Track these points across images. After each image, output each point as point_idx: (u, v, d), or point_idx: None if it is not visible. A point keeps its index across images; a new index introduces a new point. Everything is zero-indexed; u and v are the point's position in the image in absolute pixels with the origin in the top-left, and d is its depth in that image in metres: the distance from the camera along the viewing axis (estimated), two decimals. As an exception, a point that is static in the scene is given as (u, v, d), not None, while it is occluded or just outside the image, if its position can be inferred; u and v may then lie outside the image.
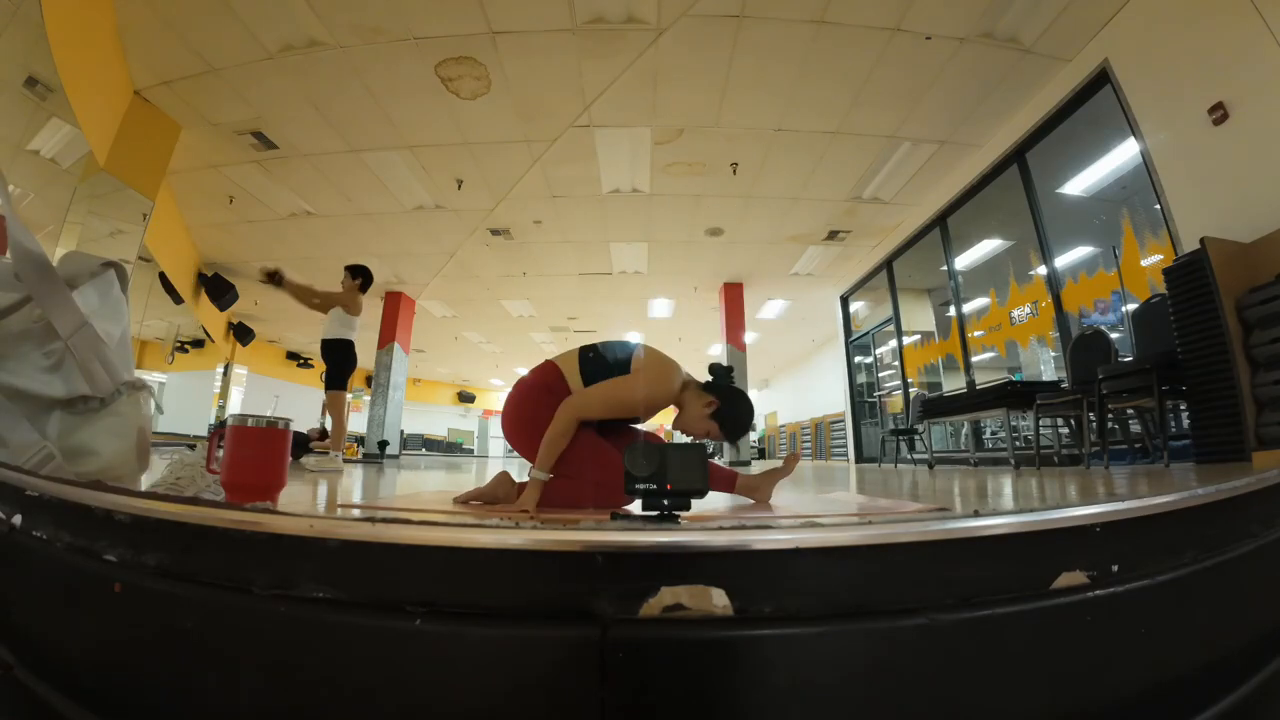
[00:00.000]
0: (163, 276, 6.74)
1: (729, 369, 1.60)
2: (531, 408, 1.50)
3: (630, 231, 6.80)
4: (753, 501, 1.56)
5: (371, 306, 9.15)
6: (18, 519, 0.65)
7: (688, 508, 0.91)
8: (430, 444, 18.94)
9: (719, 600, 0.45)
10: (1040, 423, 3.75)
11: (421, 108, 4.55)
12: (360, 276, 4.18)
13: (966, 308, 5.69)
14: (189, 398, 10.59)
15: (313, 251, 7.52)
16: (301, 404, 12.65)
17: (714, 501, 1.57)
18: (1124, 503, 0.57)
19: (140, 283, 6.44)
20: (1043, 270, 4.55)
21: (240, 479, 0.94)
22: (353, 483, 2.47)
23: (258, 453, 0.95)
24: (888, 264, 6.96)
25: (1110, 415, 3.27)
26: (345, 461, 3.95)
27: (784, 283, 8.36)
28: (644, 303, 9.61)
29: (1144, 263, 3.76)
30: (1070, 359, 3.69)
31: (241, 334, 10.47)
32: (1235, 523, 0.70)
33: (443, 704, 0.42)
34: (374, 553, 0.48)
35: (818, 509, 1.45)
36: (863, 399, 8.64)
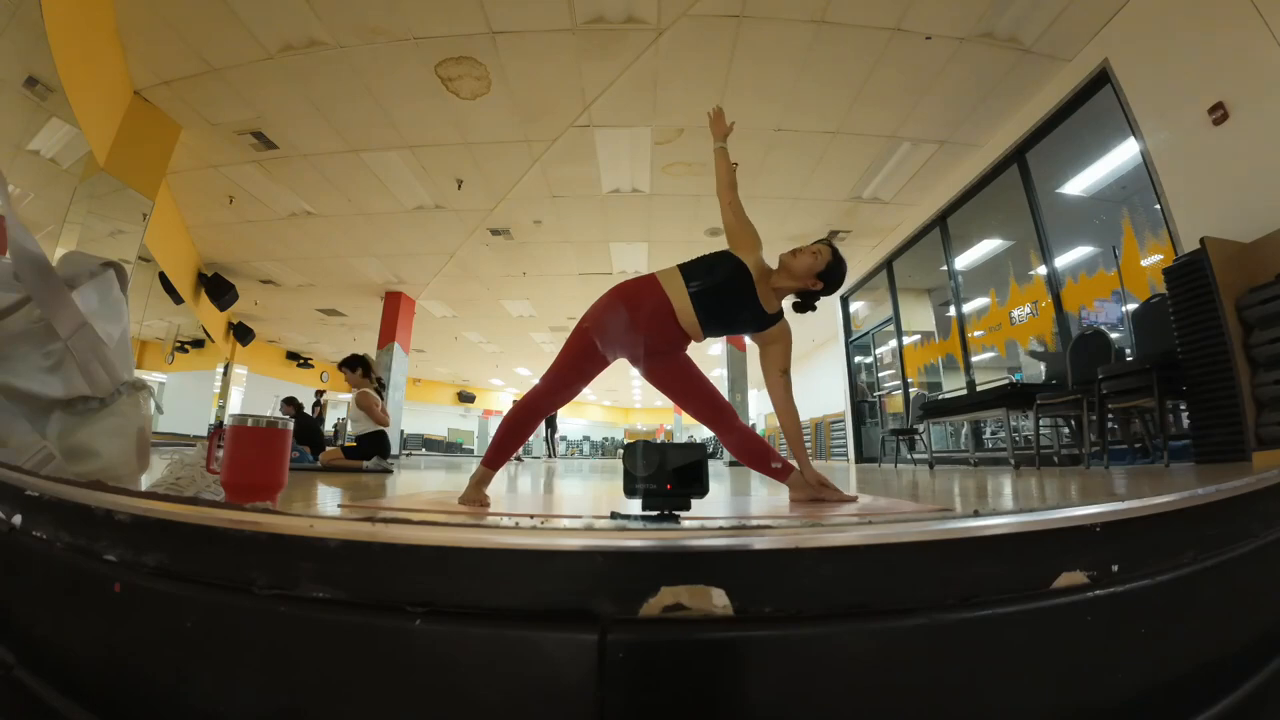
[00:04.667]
0: (163, 276, 6.74)
1: None
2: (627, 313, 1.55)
3: (630, 231, 6.80)
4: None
5: (372, 306, 9.21)
6: (18, 519, 0.65)
7: (688, 508, 0.90)
8: (430, 444, 18.95)
9: (719, 600, 0.45)
10: (1040, 423, 3.75)
11: (421, 108, 4.55)
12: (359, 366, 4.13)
13: (966, 308, 5.69)
14: (189, 398, 10.58)
15: (313, 251, 7.52)
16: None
17: (714, 502, 1.57)
18: (1124, 503, 0.57)
19: (140, 283, 6.44)
20: (1043, 270, 4.55)
21: (240, 479, 0.94)
22: (357, 484, 2.47)
23: (258, 453, 0.95)
24: (888, 264, 6.96)
25: (1110, 415, 3.27)
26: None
27: (784, 283, 8.35)
28: (644, 303, 9.60)
29: (1144, 263, 3.76)
30: (1070, 359, 3.69)
31: (241, 334, 10.47)
32: (1235, 523, 0.70)
33: (442, 704, 0.42)
34: (374, 553, 0.48)
35: (820, 510, 1.45)
36: (863, 399, 8.64)
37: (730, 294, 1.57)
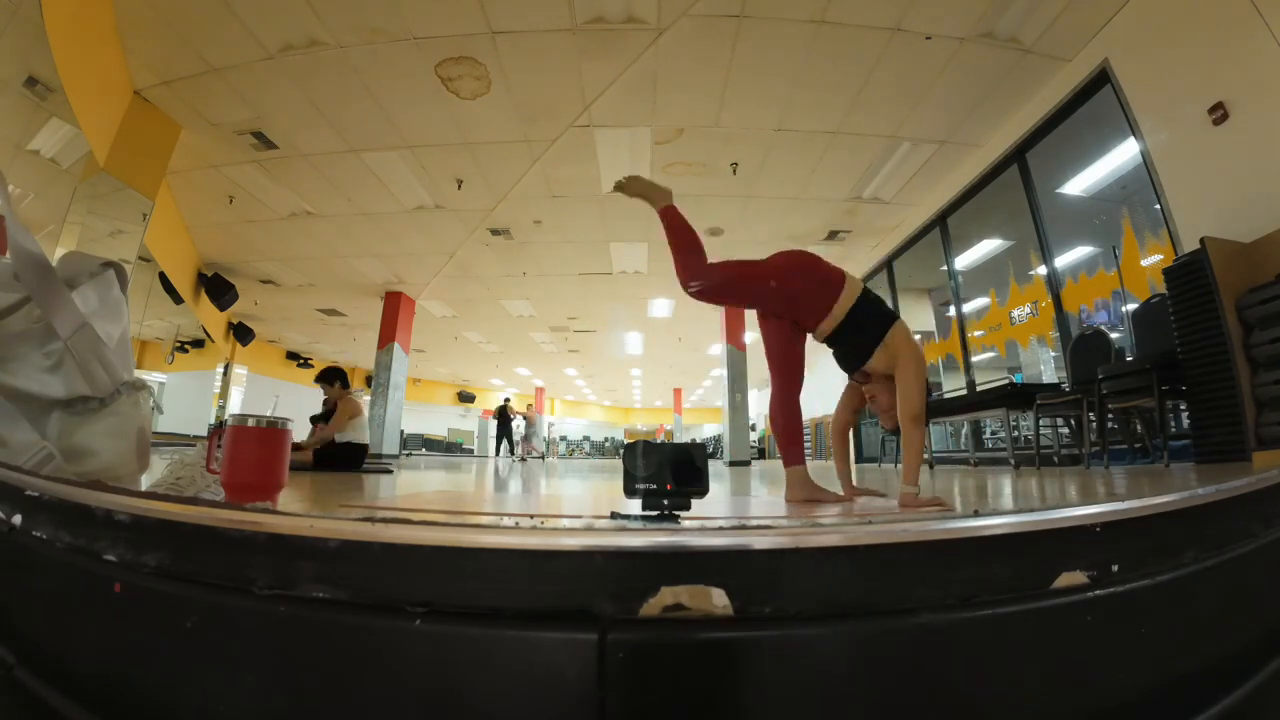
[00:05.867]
0: (163, 276, 6.74)
1: None
2: (804, 281, 1.67)
3: (630, 231, 6.80)
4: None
5: (372, 306, 9.21)
6: (18, 519, 0.65)
7: (688, 508, 0.90)
8: (430, 444, 18.97)
9: (719, 600, 0.45)
10: (1040, 423, 3.75)
11: (421, 108, 4.55)
12: (336, 379, 4.10)
13: (966, 308, 5.69)
14: (189, 398, 10.58)
15: (313, 251, 7.52)
16: (301, 404, 12.67)
17: (714, 501, 1.57)
18: (1124, 503, 0.57)
19: (140, 283, 6.44)
20: (1043, 270, 4.55)
21: (240, 479, 0.94)
22: (357, 483, 2.47)
23: (258, 453, 0.95)
24: (888, 264, 6.96)
25: (1110, 415, 3.27)
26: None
27: (784, 283, 8.35)
28: (644, 303, 9.61)
29: (1144, 263, 3.76)
30: (1070, 359, 3.69)
31: (241, 334, 10.47)
32: (1235, 523, 0.70)
33: (442, 704, 0.42)
34: (374, 553, 0.48)
35: (822, 511, 1.45)
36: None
37: (865, 341, 1.66)
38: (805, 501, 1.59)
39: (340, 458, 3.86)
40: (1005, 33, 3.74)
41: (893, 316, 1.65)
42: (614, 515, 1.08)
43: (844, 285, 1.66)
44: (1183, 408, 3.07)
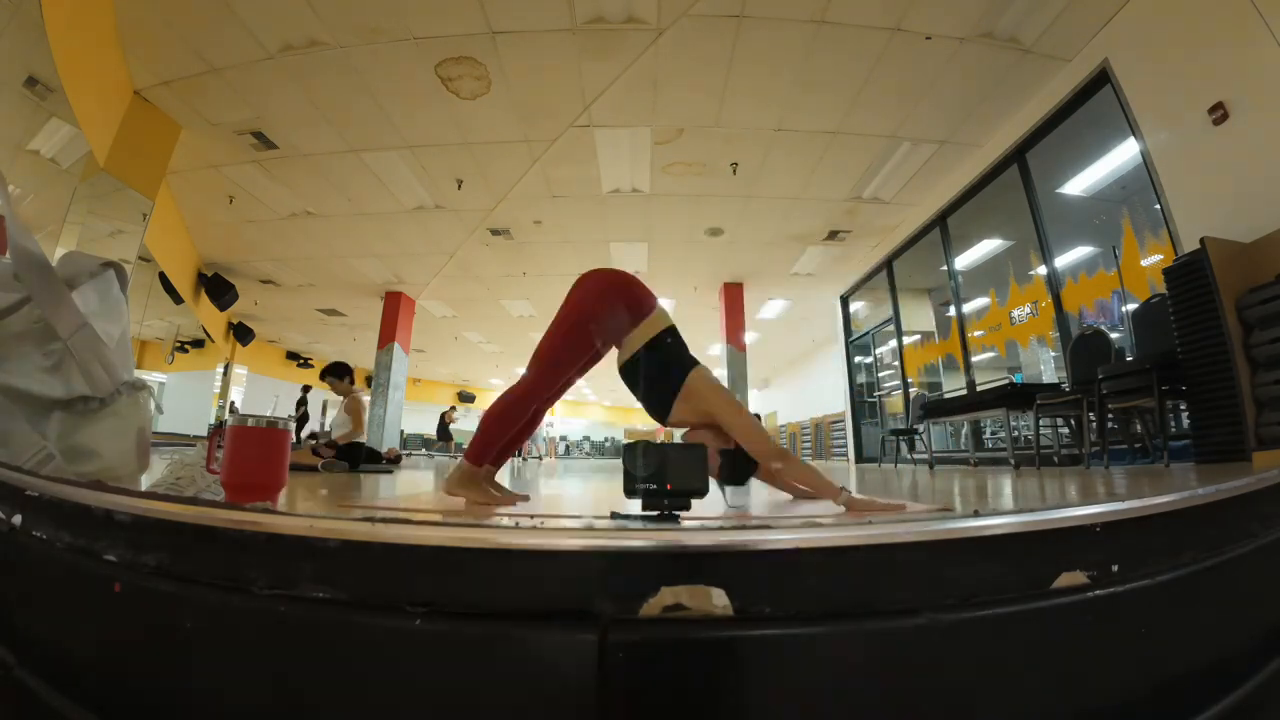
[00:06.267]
0: (163, 276, 6.74)
1: None
2: (604, 305, 1.59)
3: (630, 231, 6.80)
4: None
5: (372, 306, 9.21)
6: (18, 519, 0.65)
7: (688, 508, 0.91)
8: (431, 444, 18.94)
9: (719, 600, 0.45)
10: (1040, 423, 3.75)
11: (421, 108, 4.55)
12: (346, 374, 4.18)
13: (966, 308, 5.69)
14: (189, 398, 10.58)
15: (313, 251, 7.52)
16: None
17: (714, 501, 1.57)
18: (1124, 503, 0.57)
19: (140, 283, 6.43)
20: (1043, 270, 4.55)
21: (240, 479, 0.94)
22: (357, 483, 2.47)
23: (258, 453, 0.95)
24: (888, 264, 6.96)
25: (1110, 415, 3.27)
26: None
27: (784, 283, 8.36)
28: (644, 303, 9.60)
29: (1144, 263, 3.76)
30: (1070, 359, 3.69)
31: (241, 334, 10.47)
32: (1235, 523, 0.70)
33: (442, 704, 0.42)
34: (374, 553, 0.48)
35: (818, 509, 1.45)
36: (863, 399, 8.64)
37: (659, 389, 1.60)
38: (805, 499, 1.59)
39: (354, 454, 3.87)
40: (1005, 33, 3.74)
41: (691, 363, 1.58)
42: (614, 515, 1.08)
43: (652, 314, 1.58)
44: (1183, 408, 3.07)
